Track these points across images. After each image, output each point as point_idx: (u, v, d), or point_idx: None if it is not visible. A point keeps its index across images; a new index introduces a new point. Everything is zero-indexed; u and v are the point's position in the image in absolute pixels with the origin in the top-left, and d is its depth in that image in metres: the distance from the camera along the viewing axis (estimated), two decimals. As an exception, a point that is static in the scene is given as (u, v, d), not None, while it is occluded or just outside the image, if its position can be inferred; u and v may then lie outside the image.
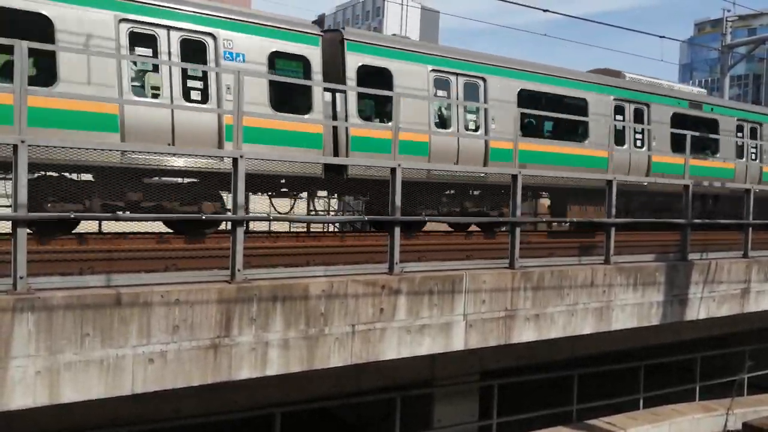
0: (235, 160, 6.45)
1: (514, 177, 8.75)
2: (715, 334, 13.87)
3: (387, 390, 9.68)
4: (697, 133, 14.30)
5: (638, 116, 16.50)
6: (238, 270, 6.43)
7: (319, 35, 11.66)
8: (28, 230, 5.84)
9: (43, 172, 9.09)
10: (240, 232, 6.46)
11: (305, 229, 16.19)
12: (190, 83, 10.34)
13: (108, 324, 5.66)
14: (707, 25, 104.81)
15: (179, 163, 9.81)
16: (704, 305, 10.91)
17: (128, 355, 5.76)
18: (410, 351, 7.61)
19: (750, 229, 12.01)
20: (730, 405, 11.97)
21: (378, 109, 13.09)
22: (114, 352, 5.70)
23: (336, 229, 17.11)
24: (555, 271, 8.89)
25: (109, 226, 12.39)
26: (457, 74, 13.43)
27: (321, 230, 17.03)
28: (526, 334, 8.64)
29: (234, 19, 10.71)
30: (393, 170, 7.63)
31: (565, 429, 10.89)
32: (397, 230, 7.60)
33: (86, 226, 11.52)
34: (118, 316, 5.70)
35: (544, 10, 16.61)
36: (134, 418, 7.79)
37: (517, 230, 8.71)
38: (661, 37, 20.32)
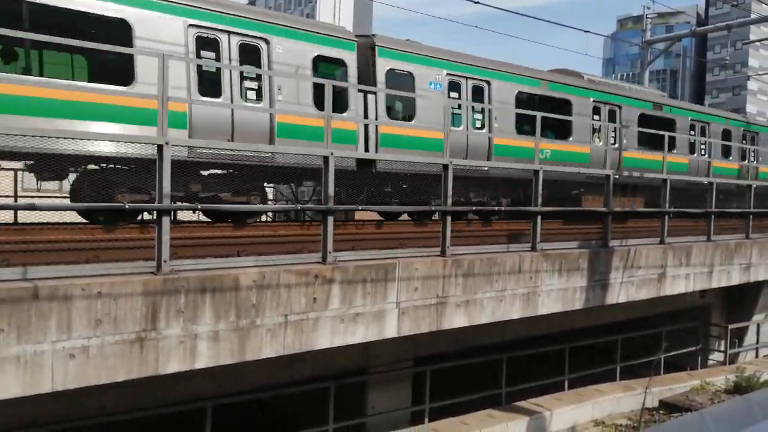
0: (160, 147, 6.24)
1: (445, 166, 8.88)
2: (634, 316, 14.60)
3: (321, 379, 9.68)
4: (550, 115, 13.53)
5: (477, 94, 14.98)
6: (165, 261, 6.24)
7: None
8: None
9: None
10: (166, 221, 6.27)
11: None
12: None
13: (25, 319, 5.39)
14: (629, 21, 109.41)
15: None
16: (624, 289, 11.43)
17: (47, 351, 5.50)
18: (344, 340, 7.62)
19: (666, 217, 12.64)
20: (648, 384, 12.62)
21: None
22: (32, 348, 5.43)
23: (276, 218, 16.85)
24: (484, 259, 9.09)
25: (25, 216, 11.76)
26: (229, 33, 10.97)
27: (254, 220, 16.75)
28: (457, 320, 8.82)
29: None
30: (326, 159, 7.58)
31: (495, 411, 11.21)
32: (330, 219, 7.57)
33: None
34: (35, 311, 5.43)
35: (475, 2, 16.83)
36: (56, 416, 7.48)
37: (448, 218, 8.84)
38: (585, 31, 21.01)
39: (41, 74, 9.51)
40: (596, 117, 17.51)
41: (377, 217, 14.78)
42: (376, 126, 12.86)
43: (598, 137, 17.86)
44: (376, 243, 9.47)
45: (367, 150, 12.71)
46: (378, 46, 13.12)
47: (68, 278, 5.74)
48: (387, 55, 13.25)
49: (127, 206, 6.51)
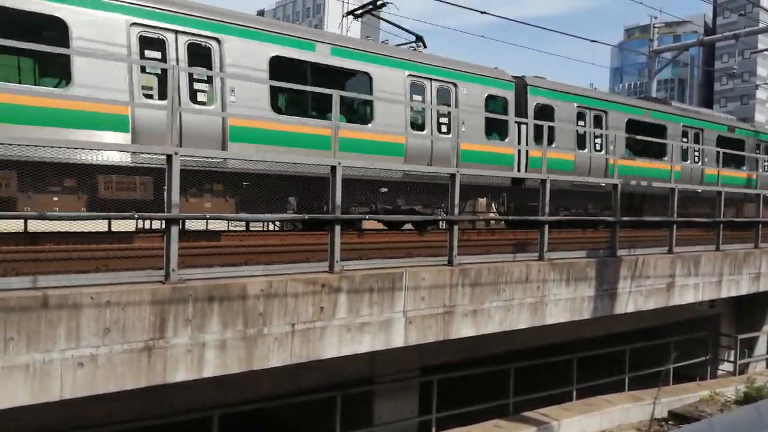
0: (169, 157, 6.30)
1: (452, 176, 8.90)
2: (642, 326, 14.51)
3: (328, 388, 9.67)
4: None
5: (200, 57, 11.10)
6: (173, 270, 6.27)
7: None
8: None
9: None
10: (174, 230, 6.31)
11: (245, 228, 15.94)
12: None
13: (34, 327, 5.43)
14: (636, 31, 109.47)
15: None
16: (632, 299, 11.37)
17: (56, 360, 5.54)
18: (351, 349, 7.63)
19: (675, 226, 12.59)
20: (656, 394, 12.53)
21: None
22: (41, 356, 5.47)
23: (276, 228, 16.90)
24: (492, 268, 9.08)
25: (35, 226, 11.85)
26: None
27: (261, 229, 16.82)
28: (464, 329, 8.80)
29: None
30: (333, 168, 7.62)
31: (502, 422, 11.15)
32: (338, 228, 7.59)
33: (11, 226, 11.00)
34: (45, 319, 5.47)
35: (482, 12, 16.91)
36: (63, 424, 7.51)
37: (455, 228, 8.85)
38: (592, 41, 21.04)
39: None
40: (419, 98, 13.71)
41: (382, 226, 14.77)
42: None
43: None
44: (383, 252, 9.47)
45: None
46: None
47: (77, 287, 5.78)
48: None
49: (136, 215, 6.55)
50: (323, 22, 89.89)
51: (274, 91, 11.48)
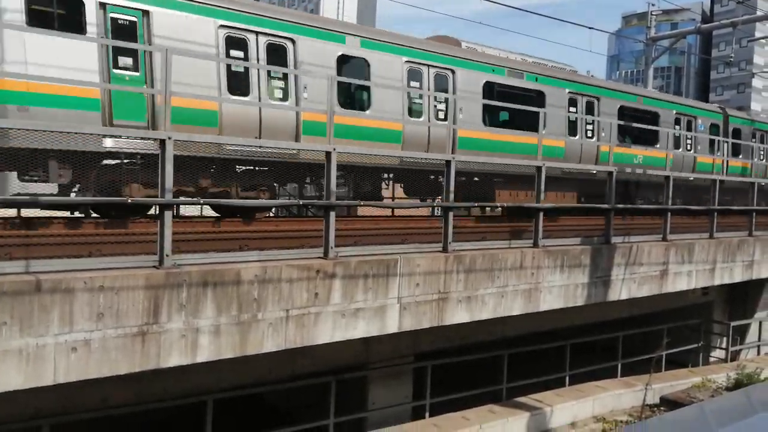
0: (162, 142, 6.26)
1: (448, 162, 8.87)
2: (635, 313, 14.59)
3: (322, 374, 9.71)
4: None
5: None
6: (167, 255, 6.26)
7: None
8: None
9: None
10: (168, 216, 6.29)
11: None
12: None
13: (27, 312, 5.42)
14: (634, 18, 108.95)
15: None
16: (626, 286, 11.42)
17: (49, 344, 5.53)
18: (345, 335, 7.65)
19: (669, 213, 12.61)
20: (648, 380, 12.62)
21: None
22: (34, 341, 5.47)
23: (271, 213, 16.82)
24: (486, 255, 9.09)
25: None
26: None
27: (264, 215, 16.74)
28: (458, 315, 8.83)
29: None
30: (328, 154, 7.59)
31: (496, 407, 11.24)
32: (332, 214, 7.59)
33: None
34: (38, 304, 5.46)
35: (481, -1, 16.79)
36: (58, 409, 7.53)
37: (450, 214, 8.85)
38: (590, 28, 20.95)
39: None
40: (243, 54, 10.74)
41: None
42: None
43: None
44: (378, 238, 9.47)
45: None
46: None
47: (71, 272, 5.77)
48: None
49: (129, 200, 6.52)
50: (319, 6, 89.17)
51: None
